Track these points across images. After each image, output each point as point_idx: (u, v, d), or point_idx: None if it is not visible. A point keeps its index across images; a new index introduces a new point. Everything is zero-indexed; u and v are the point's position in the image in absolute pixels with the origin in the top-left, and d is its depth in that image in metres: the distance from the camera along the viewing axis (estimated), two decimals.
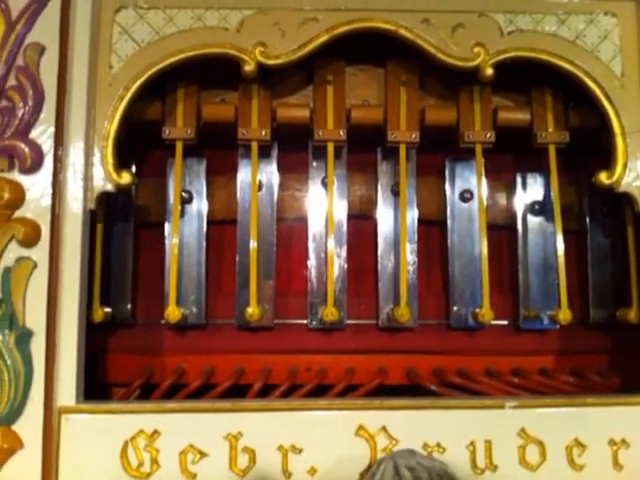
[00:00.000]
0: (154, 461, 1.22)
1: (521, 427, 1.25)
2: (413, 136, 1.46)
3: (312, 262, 1.52)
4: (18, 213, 1.25)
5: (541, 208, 1.54)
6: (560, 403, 1.29)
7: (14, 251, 1.24)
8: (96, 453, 1.22)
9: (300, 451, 1.23)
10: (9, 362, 1.21)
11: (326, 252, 1.46)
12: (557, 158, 1.47)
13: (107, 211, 1.47)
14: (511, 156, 1.60)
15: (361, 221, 1.57)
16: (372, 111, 1.48)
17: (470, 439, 1.24)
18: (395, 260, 1.51)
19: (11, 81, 1.28)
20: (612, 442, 1.26)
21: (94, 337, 1.39)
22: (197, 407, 1.26)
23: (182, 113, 1.45)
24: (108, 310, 1.44)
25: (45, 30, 1.30)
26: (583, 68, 1.37)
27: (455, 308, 1.53)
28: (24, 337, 1.22)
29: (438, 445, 1.23)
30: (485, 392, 1.41)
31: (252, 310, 1.39)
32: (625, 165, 1.34)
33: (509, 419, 1.25)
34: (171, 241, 1.44)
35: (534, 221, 1.55)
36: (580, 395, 1.37)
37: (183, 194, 1.50)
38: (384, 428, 1.23)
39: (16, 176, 1.26)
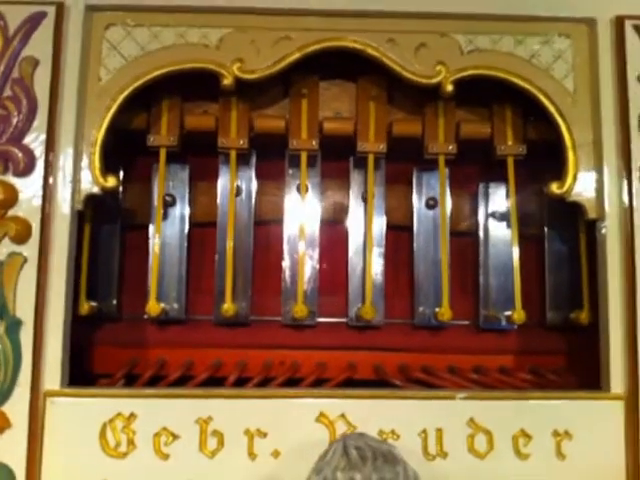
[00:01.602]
0: (130, 442, 1.32)
1: (470, 417, 1.34)
2: (381, 147, 1.57)
3: (286, 263, 1.62)
4: (11, 212, 1.37)
5: (501, 216, 1.64)
6: (507, 396, 1.39)
7: (6, 247, 1.35)
8: (78, 434, 1.32)
9: (265, 435, 1.33)
10: (2, 342, 1.32)
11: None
12: (518, 169, 1.57)
13: (96, 213, 1.57)
14: (475, 167, 1.70)
15: (333, 225, 1.68)
16: (343, 123, 1.59)
17: (422, 427, 1.33)
18: (364, 263, 1.61)
19: (7, 92, 1.40)
20: (556, 433, 1.35)
21: (81, 330, 1.50)
22: (171, 393, 1.36)
23: (166, 122, 1.56)
24: (94, 304, 1.55)
25: (39, 45, 1.42)
26: (538, 85, 1.47)
27: (420, 309, 1.63)
28: (14, 326, 1.33)
29: (393, 432, 1.33)
30: (447, 388, 1.50)
31: (227, 306, 1.49)
32: (575, 176, 1.44)
33: (459, 409, 1.35)
34: (156, 241, 1.55)
35: (495, 228, 1.65)
36: (526, 389, 1.47)
37: (167, 198, 1.61)
38: (343, 415, 1.33)
39: (10, 178, 1.38)
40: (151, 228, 1.61)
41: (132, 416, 1.33)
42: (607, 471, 1.34)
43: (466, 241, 1.68)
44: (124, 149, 1.58)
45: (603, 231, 1.42)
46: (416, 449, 1.32)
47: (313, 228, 1.63)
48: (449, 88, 1.46)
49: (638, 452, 1.34)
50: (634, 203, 1.40)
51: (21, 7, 1.42)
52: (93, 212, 1.55)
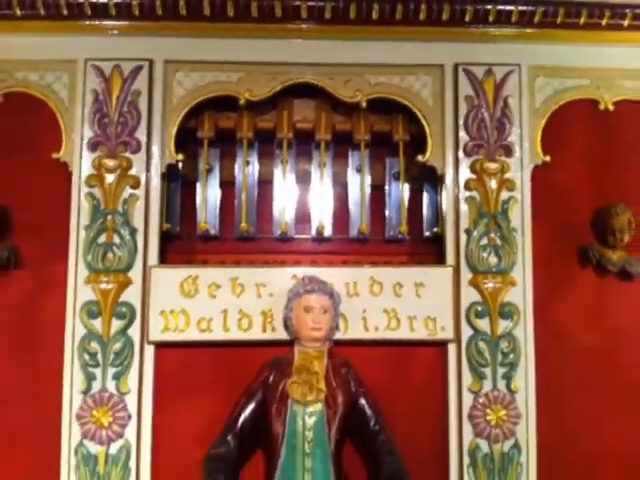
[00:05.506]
0: (195, 290, 2.54)
1: (371, 276, 2.58)
2: (328, 137, 2.79)
3: (276, 203, 2.84)
4: (129, 172, 2.59)
5: (398, 176, 2.86)
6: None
7: (128, 191, 2.58)
8: (167, 286, 2.54)
9: (265, 285, 2.57)
10: (127, 240, 2.54)
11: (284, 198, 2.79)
12: (406, 149, 2.79)
13: (167, 175, 2.78)
14: (383, 148, 2.90)
15: (303, 183, 2.89)
16: (307, 123, 2.80)
17: (347, 279, 2.56)
18: (321, 203, 2.83)
19: (125, 109, 2.61)
20: (416, 284, 2.58)
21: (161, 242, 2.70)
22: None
23: (207, 124, 2.77)
24: (169, 226, 2.75)
25: (141, 83, 2.63)
26: (413, 102, 2.70)
27: (353, 229, 2.85)
28: (133, 232, 2.55)
29: (332, 284, 2.54)
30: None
31: (244, 224, 2.72)
32: (432, 151, 2.67)
33: (366, 272, 2.59)
34: (202, 192, 2.77)
35: (394, 183, 2.88)
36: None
37: (207, 167, 2.81)
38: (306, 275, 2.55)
39: (128, 154, 2.60)
40: (198, 185, 2.82)
41: (196, 277, 2.55)
42: (442, 305, 2.59)
43: (378, 191, 2.89)
44: (183, 138, 2.78)
45: (445, 181, 2.66)
46: (343, 293, 2.54)
47: (291, 184, 2.85)
48: (363, 104, 2.68)
49: (459, 295, 2.59)
50: (458, 164, 2.64)
51: (130, 62, 2.64)
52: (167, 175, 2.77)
